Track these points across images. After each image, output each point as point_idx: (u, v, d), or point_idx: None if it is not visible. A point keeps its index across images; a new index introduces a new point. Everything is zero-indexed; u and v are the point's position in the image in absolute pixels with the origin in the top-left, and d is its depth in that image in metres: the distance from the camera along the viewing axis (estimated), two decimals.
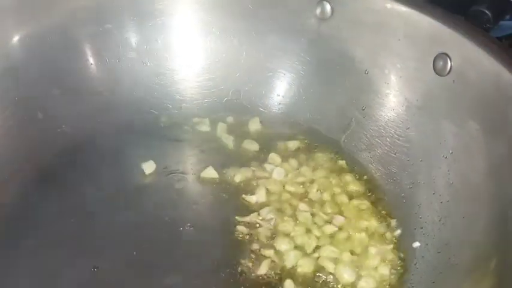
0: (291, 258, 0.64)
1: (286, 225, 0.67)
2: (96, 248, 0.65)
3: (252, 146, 0.79)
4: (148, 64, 0.84)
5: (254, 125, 0.82)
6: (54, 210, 0.68)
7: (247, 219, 0.68)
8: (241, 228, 0.67)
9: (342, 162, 0.76)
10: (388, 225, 0.68)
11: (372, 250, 0.65)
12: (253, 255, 0.64)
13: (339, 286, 0.62)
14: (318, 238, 0.67)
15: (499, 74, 0.60)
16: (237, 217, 0.68)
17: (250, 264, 0.63)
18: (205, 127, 0.82)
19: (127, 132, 0.79)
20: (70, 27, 0.79)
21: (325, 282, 0.62)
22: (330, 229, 0.67)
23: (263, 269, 0.63)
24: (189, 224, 0.67)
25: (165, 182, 0.73)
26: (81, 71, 0.81)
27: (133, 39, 0.83)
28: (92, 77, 0.82)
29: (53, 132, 0.77)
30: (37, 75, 0.77)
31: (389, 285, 0.62)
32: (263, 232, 0.67)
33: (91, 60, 0.81)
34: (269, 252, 0.64)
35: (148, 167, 0.74)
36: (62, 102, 0.79)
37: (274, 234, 0.66)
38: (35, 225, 0.67)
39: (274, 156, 0.77)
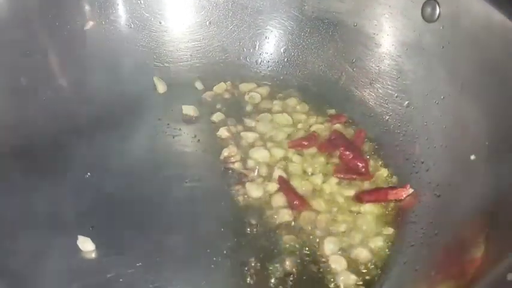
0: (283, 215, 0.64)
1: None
2: (93, 208, 0.64)
3: (251, 100, 0.79)
4: (132, 26, 0.83)
5: (246, 84, 0.81)
6: (51, 175, 0.67)
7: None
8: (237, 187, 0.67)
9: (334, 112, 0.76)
10: (383, 173, 0.69)
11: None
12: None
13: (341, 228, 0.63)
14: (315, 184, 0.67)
15: (489, 16, 0.61)
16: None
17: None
18: (198, 87, 0.81)
19: (117, 96, 0.78)
20: None
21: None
22: (320, 178, 0.68)
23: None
24: (187, 180, 0.67)
25: (163, 141, 0.73)
26: (63, 33, 0.78)
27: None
28: (75, 41, 0.80)
29: (42, 100, 0.76)
30: (19, 37, 0.75)
31: (386, 223, 0.63)
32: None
33: (74, 22, 0.79)
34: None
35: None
36: (45, 67, 0.77)
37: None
38: (34, 187, 0.65)
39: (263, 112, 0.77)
